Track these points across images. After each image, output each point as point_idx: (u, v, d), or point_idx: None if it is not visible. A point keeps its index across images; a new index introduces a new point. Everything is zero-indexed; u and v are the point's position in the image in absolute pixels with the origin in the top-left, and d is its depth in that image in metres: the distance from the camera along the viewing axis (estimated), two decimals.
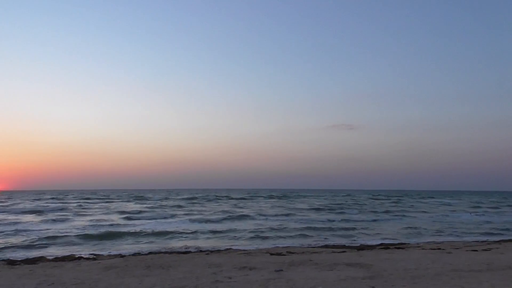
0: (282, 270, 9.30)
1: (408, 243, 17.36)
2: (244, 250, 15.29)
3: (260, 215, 33.22)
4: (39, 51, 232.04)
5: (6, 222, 26.59)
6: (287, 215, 33.70)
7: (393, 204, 54.18)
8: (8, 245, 16.93)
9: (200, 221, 28.09)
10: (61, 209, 40.16)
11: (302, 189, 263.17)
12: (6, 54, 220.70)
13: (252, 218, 30.52)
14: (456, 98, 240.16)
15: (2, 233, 20.43)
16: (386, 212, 38.81)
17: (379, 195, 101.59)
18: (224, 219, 29.70)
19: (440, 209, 45.59)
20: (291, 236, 20.23)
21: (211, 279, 8.36)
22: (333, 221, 28.91)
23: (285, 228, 23.58)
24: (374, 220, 29.89)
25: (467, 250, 13.88)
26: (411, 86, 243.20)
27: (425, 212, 39.69)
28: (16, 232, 20.92)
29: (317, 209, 41.37)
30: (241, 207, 44.80)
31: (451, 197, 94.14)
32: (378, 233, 22.03)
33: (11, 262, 12.38)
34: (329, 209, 41.60)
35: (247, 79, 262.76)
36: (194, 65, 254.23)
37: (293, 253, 13.44)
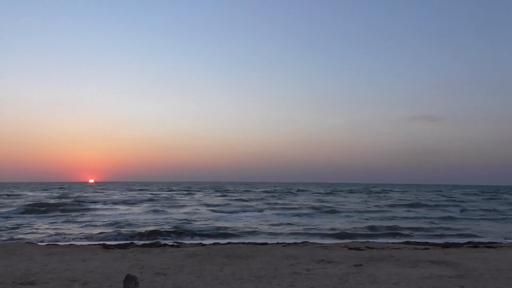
0: (361, 265, 9.08)
1: (501, 243, 16.00)
2: (321, 243, 15.17)
3: (349, 210, 32.16)
4: (126, 51, 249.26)
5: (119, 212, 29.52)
6: (375, 211, 32.16)
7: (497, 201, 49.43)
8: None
9: (288, 215, 28.12)
10: (152, 200, 43.06)
11: (380, 183, 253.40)
12: (96, 57, 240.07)
13: (340, 213, 29.85)
14: None
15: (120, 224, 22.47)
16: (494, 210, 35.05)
17: (471, 191, 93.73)
18: (309, 214, 29.21)
19: None
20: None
21: (289, 270, 8.42)
22: (429, 218, 26.89)
23: (392, 226, 22.14)
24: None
25: None
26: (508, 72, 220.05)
27: None
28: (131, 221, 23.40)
29: (410, 205, 39.01)
30: (324, 202, 43.83)
31: None
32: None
33: (106, 246, 13.55)
34: (426, 207, 38.66)
35: (323, 71, 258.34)
36: (272, 59, 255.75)
37: (372, 248, 13.06)
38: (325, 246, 13.82)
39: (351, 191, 79.32)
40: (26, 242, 15.62)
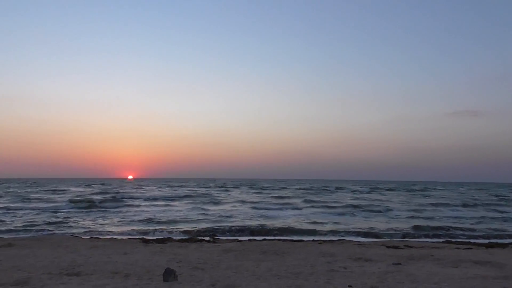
0: (400, 264, 8.87)
1: None
2: (358, 241, 14.96)
3: (390, 209, 30.81)
4: (162, 51, 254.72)
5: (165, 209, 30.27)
6: (416, 210, 30.37)
7: None
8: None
9: (329, 213, 27.63)
10: (190, 196, 43.56)
11: (421, 181, 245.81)
12: (132, 57, 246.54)
13: (381, 211, 28.82)
14: None
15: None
16: None
17: None
18: (349, 211, 28.38)
19: None
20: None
21: (326, 267, 8.36)
22: (477, 218, 25.40)
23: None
24: None
25: None
26: None
27: None
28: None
29: (462, 204, 36.55)
30: (364, 199, 42.59)
31: None
32: None
33: (145, 241, 13.95)
34: (475, 206, 35.85)
35: (357, 65, 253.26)
36: (305, 54, 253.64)
37: (411, 247, 12.73)
38: (362, 244, 13.60)
39: (390, 189, 77.01)
40: (71, 235, 16.33)
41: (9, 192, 53.14)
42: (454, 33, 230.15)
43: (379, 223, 22.10)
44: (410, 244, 13.43)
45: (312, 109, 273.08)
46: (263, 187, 78.15)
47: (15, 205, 31.59)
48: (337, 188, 78.84)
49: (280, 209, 30.87)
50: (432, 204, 36.67)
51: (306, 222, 22.10)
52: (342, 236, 17.23)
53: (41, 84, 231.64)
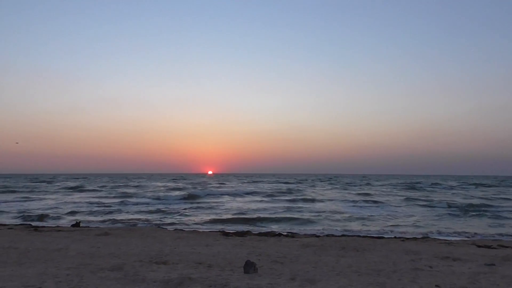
0: (494, 265, 8.20)
1: None
2: (444, 239, 14.09)
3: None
4: (240, 47, 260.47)
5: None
6: None
7: None
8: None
9: (430, 211, 25.34)
10: (283, 193, 42.98)
11: (507, 176, 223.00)
12: (211, 54, 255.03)
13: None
14: None
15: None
16: None
17: None
18: (453, 213, 24.89)
19: None
20: None
21: (410, 266, 8.00)
22: None
23: None
24: None
25: None
26: None
27: None
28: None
29: None
30: (474, 198, 37.84)
31: None
32: None
33: (226, 234, 14.43)
34: None
35: (430, 53, 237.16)
36: (387, 43, 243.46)
37: (506, 247, 11.69)
38: (449, 242, 12.79)
39: (481, 184, 70.85)
40: (158, 227, 17.44)
41: (104, 186, 58.11)
42: None
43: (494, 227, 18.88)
44: (505, 244, 12.34)
45: (399, 101, 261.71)
46: (349, 183, 75.31)
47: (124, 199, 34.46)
48: (433, 184, 73.30)
49: (374, 206, 28.78)
50: None
51: (406, 222, 20.27)
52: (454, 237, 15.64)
53: (135, 87, 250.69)
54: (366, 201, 32.89)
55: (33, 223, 19.03)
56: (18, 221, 20.46)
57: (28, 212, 24.11)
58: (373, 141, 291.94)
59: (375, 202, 32.56)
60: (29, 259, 8.14)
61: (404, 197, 37.45)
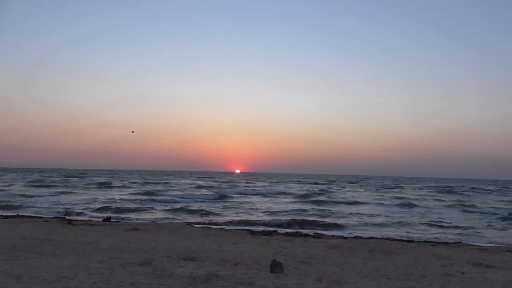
0: None
1: None
2: (478, 245, 13.63)
3: None
4: (269, 46, 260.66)
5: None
6: None
7: None
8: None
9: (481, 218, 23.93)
10: (311, 194, 41.00)
11: None
12: (240, 53, 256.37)
13: None
14: None
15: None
16: None
17: None
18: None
19: None
20: None
21: (440, 271, 7.79)
22: None
23: None
24: None
25: None
26: None
27: None
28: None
29: None
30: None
31: None
32: None
33: (252, 232, 14.48)
34: None
35: (464, 54, 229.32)
36: (404, 46, 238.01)
37: None
38: (483, 248, 12.37)
39: None
40: (186, 224, 17.68)
41: (134, 183, 59.43)
42: None
43: None
44: None
45: (431, 103, 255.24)
46: (384, 185, 72.98)
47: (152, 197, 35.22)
48: (472, 188, 70.49)
49: (415, 207, 27.39)
50: None
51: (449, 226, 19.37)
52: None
53: (166, 84, 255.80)
54: (405, 205, 31.12)
55: (67, 217, 19.72)
56: (53, 214, 21.24)
57: (62, 206, 25.01)
58: (402, 144, 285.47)
59: (413, 205, 30.96)
60: (63, 251, 8.43)
61: (446, 201, 35.65)
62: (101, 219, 18.43)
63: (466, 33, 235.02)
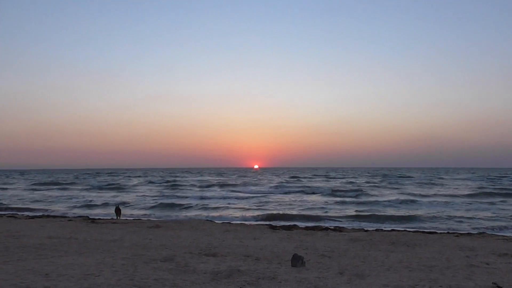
0: None
1: None
2: (502, 235, 13.36)
3: None
4: (288, 42, 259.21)
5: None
6: None
7: None
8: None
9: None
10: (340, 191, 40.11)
11: None
12: (257, 49, 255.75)
13: None
14: None
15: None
16: None
17: None
18: None
19: None
20: None
21: (465, 262, 7.67)
22: None
23: None
24: None
25: None
26: None
27: None
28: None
29: None
30: None
31: None
32: None
33: (272, 227, 14.51)
34: None
35: (495, 41, 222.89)
36: (431, 35, 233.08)
37: None
38: (508, 238, 12.11)
39: None
40: (206, 220, 17.84)
41: (152, 183, 60.15)
42: None
43: None
44: None
45: (453, 92, 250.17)
46: (409, 176, 70.70)
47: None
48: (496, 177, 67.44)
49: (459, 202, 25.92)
50: None
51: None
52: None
53: (181, 83, 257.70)
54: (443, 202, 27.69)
55: (91, 216, 20.14)
56: (78, 213, 21.73)
57: (85, 204, 25.59)
58: (430, 133, 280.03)
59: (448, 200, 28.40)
60: (88, 249, 8.63)
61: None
62: (123, 217, 18.74)
63: (495, 21, 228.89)
